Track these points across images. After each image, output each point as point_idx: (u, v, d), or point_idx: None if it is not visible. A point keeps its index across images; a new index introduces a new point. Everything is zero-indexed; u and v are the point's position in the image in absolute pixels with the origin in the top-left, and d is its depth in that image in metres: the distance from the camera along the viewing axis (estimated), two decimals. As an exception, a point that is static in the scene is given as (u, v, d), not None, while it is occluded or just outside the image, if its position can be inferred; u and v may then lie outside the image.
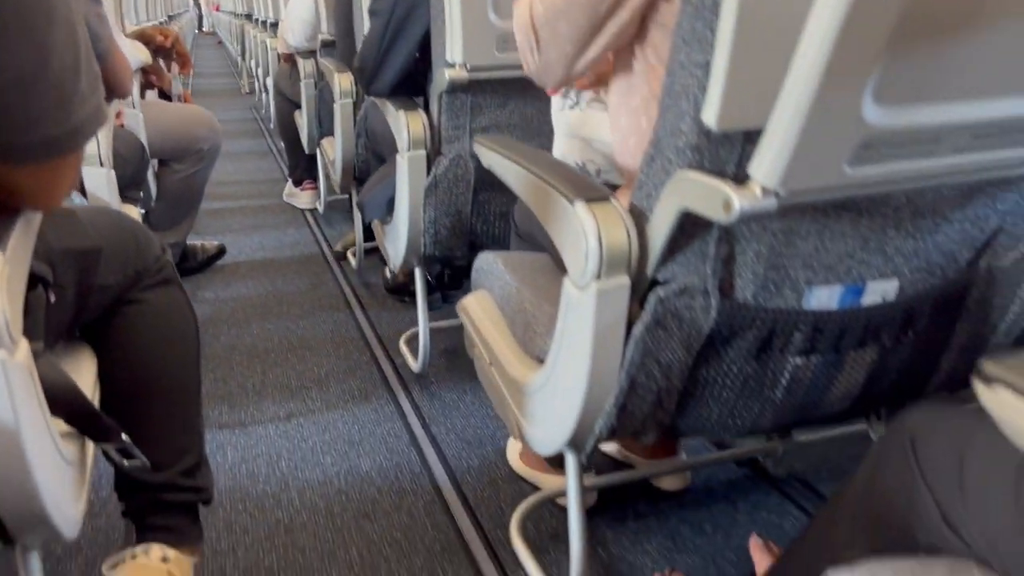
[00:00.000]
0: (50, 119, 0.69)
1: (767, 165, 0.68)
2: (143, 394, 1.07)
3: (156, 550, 1.04)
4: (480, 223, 1.64)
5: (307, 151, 3.17)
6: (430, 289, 2.20)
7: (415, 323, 1.97)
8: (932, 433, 0.67)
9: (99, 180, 1.42)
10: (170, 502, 1.08)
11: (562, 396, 0.93)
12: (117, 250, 1.05)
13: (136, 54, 2.40)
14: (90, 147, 1.37)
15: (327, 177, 3.12)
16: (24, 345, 0.72)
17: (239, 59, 8.31)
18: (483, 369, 1.22)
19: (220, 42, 12.40)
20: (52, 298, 0.86)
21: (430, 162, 1.57)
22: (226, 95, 7.33)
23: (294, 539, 1.41)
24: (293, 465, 1.63)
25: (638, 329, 0.84)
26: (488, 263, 1.26)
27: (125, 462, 0.95)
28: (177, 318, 1.11)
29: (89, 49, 0.73)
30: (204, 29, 14.36)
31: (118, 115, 1.99)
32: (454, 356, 2.09)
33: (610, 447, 1.61)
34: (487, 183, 1.59)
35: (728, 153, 0.76)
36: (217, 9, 13.39)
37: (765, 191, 0.69)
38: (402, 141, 1.57)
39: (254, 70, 6.14)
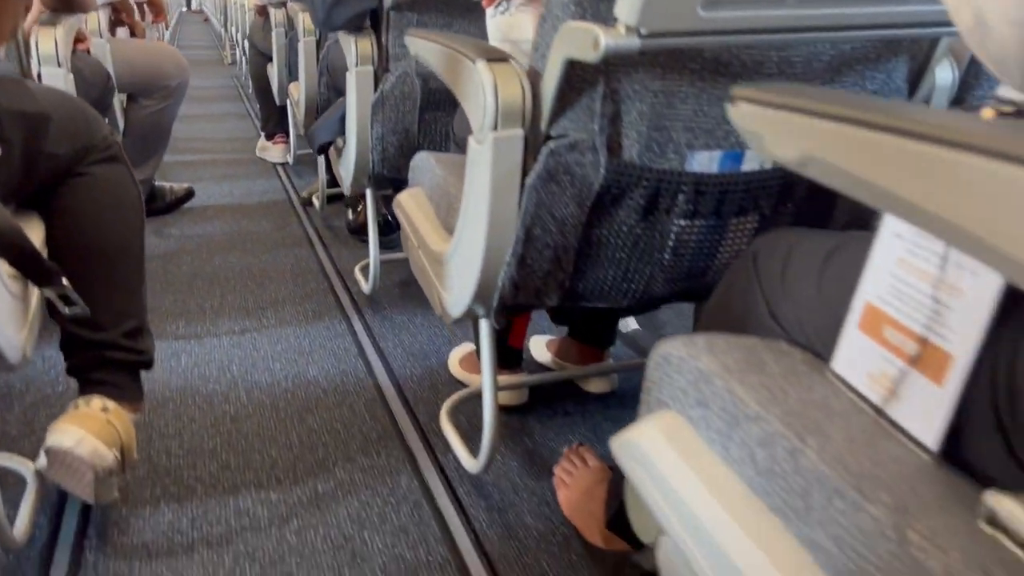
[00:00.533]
0: None
1: (628, 5, 0.76)
2: (88, 259, 1.14)
3: (97, 401, 1.12)
4: (427, 142, 1.72)
5: (278, 102, 3.24)
6: (389, 229, 2.28)
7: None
8: (770, 247, 0.76)
9: (57, 81, 1.49)
10: (111, 359, 1.16)
11: (469, 251, 1.02)
12: (66, 122, 1.13)
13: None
14: (47, 48, 1.44)
15: (296, 126, 3.18)
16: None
17: (222, 31, 8.35)
18: (414, 257, 1.30)
19: (207, 19, 12.40)
20: (-1, 149, 0.93)
21: (378, 79, 1.65)
22: (209, 64, 7.36)
23: (239, 427, 1.49)
24: (243, 370, 1.71)
25: (531, 179, 0.93)
26: (422, 160, 1.34)
27: (67, 309, 1.03)
28: (122, 191, 1.19)
29: None
30: (192, 7, 14.34)
31: (83, 40, 2.06)
32: (407, 286, 2.17)
33: (544, 357, 1.70)
34: (433, 103, 1.67)
35: (607, 8, 0.84)
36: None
37: (628, 29, 0.77)
38: (351, 59, 1.64)
39: (235, 37, 6.19)
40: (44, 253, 1.11)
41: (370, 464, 1.39)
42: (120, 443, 1.12)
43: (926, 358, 0.53)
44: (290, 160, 3.51)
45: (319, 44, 2.36)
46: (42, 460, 1.10)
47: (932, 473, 0.51)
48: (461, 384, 1.65)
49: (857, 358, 0.59)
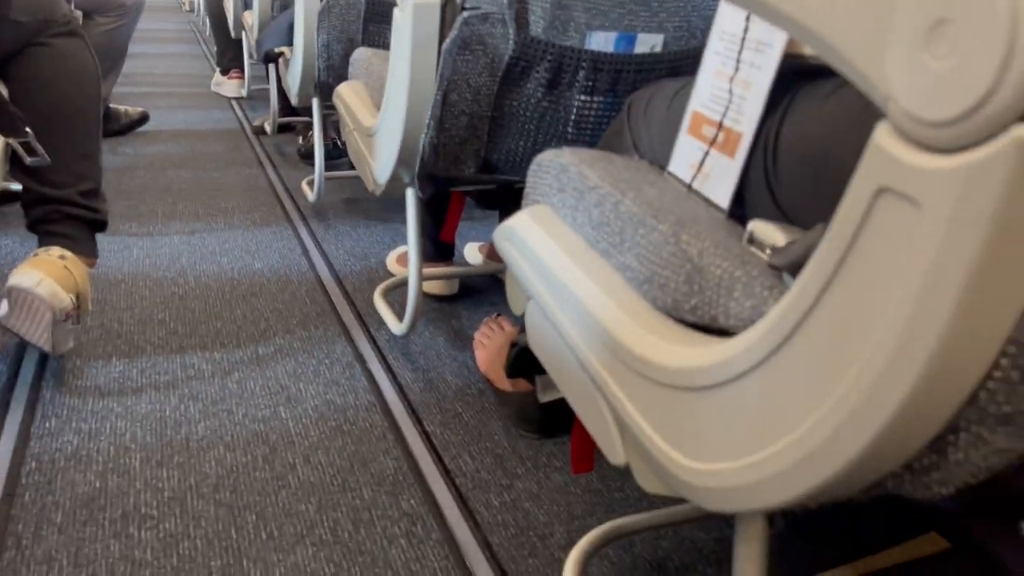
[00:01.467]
0: None
1: None
2: (47, 123, 1.25)
3: (56, 249, 1.24)
4: (370, 54, 1.84)
5: (233, 35, 3.31)
6: (337, 153, 2.40)
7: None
8: (640, 95, 0.91)
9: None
10: (69, 215, 1.27)
11: (393, 117, 1.15)
12: (22, 10, 1.23)
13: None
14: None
15: (251, 52, 3.25)
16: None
17: None
18: (351, 142, 1.43)
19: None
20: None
21: (324, -10, 1.76)
22: (168, 11, 7.31)
23: (187, 304, 1.61)
24: (192, 261, 1.82)
25: (447, 45, 1.06)
26: (360, 55, 1.47)
27: (29, 159, 1.14)
28: (80, 62, 1.30)
29: None
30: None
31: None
32: (354, 202, 2.29)
33: (476, 259, 1.84)
34: (377, 14, 1.79)
35: None
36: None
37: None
38: (299, -30, 1.75)
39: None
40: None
41: (308, 335, 1.52)
42: (77, 289, 1.23)
43: (724, 140, 0.68)
44: (244, 94, 3.58)
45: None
46: (3, 308, 1.22)
47: (719, 219, 0.66)
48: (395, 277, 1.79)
49: (684, 156, 0.74)
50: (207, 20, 4.18)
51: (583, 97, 1.15)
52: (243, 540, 0.99)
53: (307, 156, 2.66)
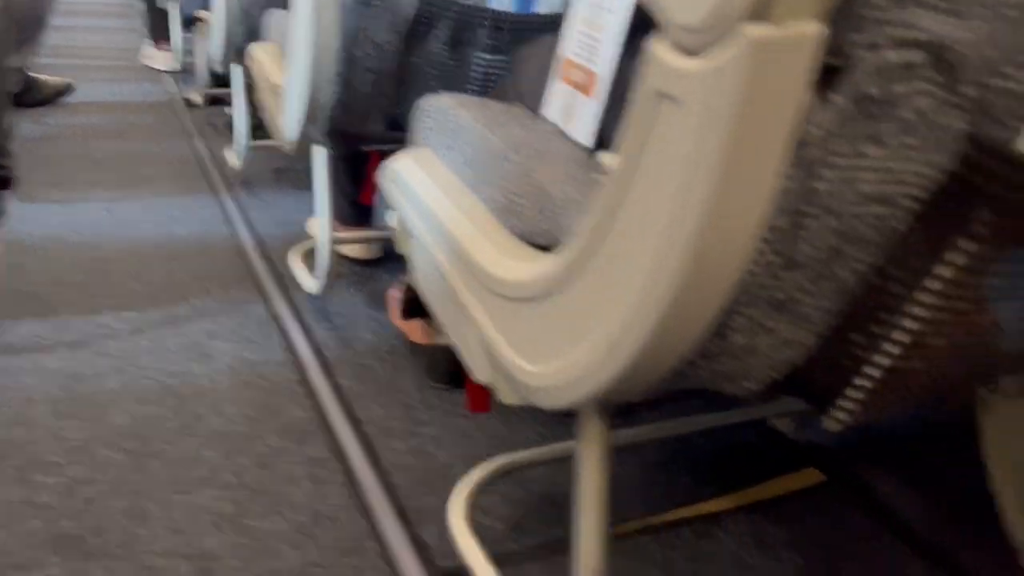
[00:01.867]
0: None
1: None
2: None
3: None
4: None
5: (158, 5, 3.26)
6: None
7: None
8: (529, 48, 0.95)
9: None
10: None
11: (298, 72, 1.17)
12: None
13: None
14: None
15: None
16: None
17: None
18: (263, 101, 1.44)
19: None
20: None
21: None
22: None
23: (103, 267, 1.61)
24: (112, 228, 1.82)
25: (351, 14, 1.08)
26: (274, 17, 1.48)
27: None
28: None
29: None
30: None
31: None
32: (283, 172, 2.29)
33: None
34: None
35: None
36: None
37: None
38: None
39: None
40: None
41: (225, 297, 1.53)
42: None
43: (585, 81, 0.72)
44: (178, 67, 3.53)
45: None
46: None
47: (580, 156, 0.70)
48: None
49: (556, 100, 0.78)
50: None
51: (487, 56, 1.18)
52: (147, 483, 1.01)
53: (236, 128, 2.65)
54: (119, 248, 1.71)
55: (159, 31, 3.58)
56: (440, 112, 0.79)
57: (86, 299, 1.47)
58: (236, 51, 1.92)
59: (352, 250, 1.72)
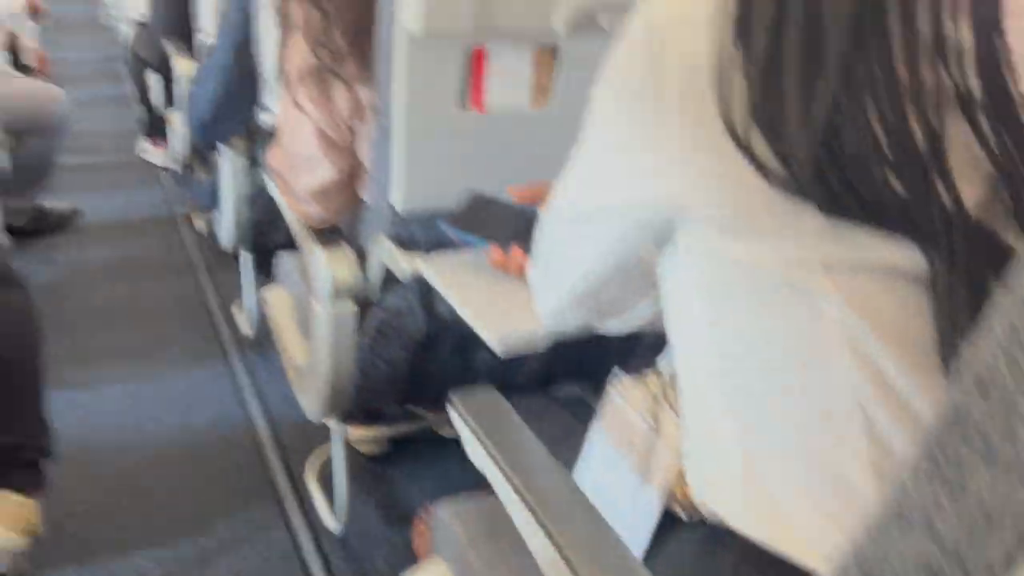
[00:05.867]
0: None
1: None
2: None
3: (4, 493, 1.34)
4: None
5: (154, 111, 3.33)
6: (260, 250, 2.47)
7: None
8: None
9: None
10: (15, 458, 1.36)
11: (316, 381, 1.27)
12: None
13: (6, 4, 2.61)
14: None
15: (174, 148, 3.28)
16: None
17: None
18: (283, 357, 1.54)
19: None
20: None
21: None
22: (84, 28, 7.07)
23: (129, 481, 1.71)
24: (134, 420, 1.92)
25: (365, 340, 1.18)
26: (287, 265, 1.57)
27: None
28: (20, 315, 1.38)
29: None
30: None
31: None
32: (287, 320, 2.39)
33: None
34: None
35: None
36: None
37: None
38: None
39: None
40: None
41: (247, 519, 1.64)
42: (29, 528, 1.34)
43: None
44: (172, 165, 3.60)
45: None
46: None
47: None
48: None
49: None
50: (128, 73, 4.14)
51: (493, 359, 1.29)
52: None
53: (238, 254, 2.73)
54: (144, 454, 1.81)
55: (154, 129, 3.64)
56: (446, 529, 0.90)
57: (118, 535, 1.58)
58: (245, 236, 2.01)
59: (363, 445, 1.82)
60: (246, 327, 2.28)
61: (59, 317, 2.34)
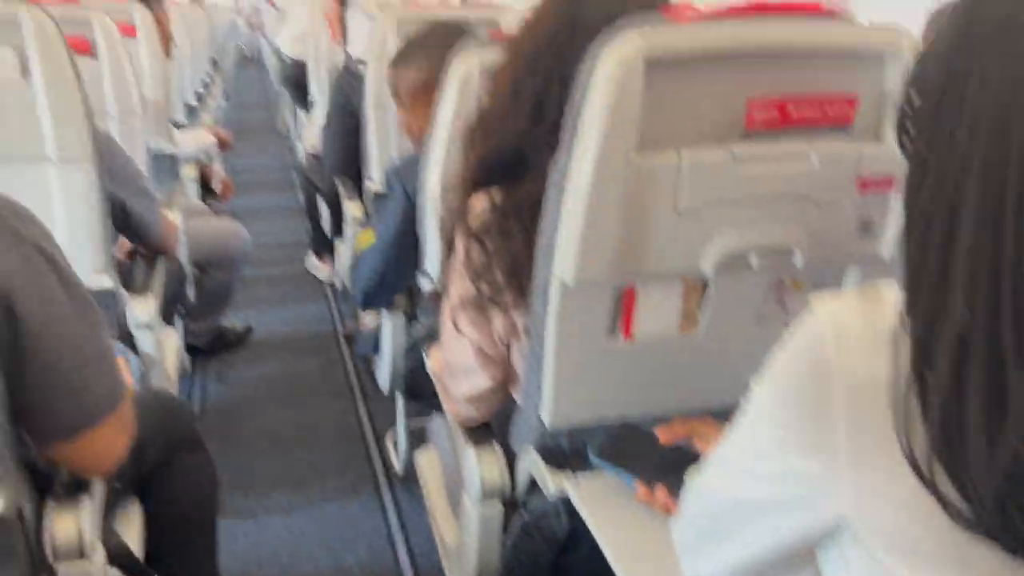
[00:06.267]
0: (65, 410, 0.97)
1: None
2: (174, 534, 1.47)
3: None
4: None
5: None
6: (414, 395, 2.60)
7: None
8: None
9: (147, 344, 1.83)
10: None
11: (465, 565, 1.32)
12: (156, 434, 1.46)
13: (199, 141, 2.94)
14: (143, 313, 1.78)
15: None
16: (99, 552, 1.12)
17: (278, 87, 8.51)
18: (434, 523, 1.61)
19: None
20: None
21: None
22: (261, 133, 7.66)
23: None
24: (291, 559, 2.03)
25: (509, 540, 1.23)
26: (439, 429, 1.65)
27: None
28: (204, 476, 1.52)
29: (98, 342, 1.00)
30: (247, 55, 14.75)
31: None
32: (435, 452, 2.48)
33: None
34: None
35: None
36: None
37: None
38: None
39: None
40: (143, 532, 1.44)
41: None
42: None
43: None
44: (337, 284, 3.85)
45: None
46: None
47: None
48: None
49: None
50: (300, 188, 4.48)
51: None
52: None
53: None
54: None
55: (322, 246, 3.92)
56: None
57: None
58: (400, 383, 2.12)
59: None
60: (396, 464, 2.38)
61: (228, 440, 2.53)
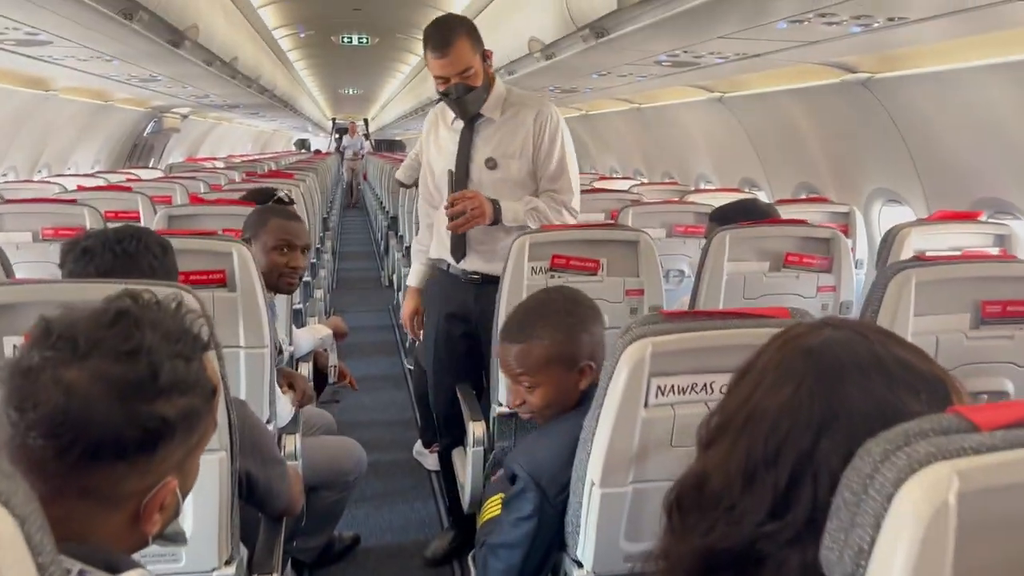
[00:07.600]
0: None
1: None
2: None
3: None
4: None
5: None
6: None
7: None
8: None
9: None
10: None
11: None
12: None
13: (315, 335, 2.86)
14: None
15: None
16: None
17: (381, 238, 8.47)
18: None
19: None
20: None
21: None
22: (366, 287, 7.62)
23: None
24: None
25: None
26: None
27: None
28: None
29: None
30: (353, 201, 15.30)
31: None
32: None
33: None
34: None
35: None
36: (365, 178, 14.45)
37: None
38: None
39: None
40: None
41: None
42: None
43: None
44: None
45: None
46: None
47: None
48: None
49: None
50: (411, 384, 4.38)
51: None
52: None
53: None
54: None
55: (430, 435, 3.77)
56: None
57: None
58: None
59: None
60: None
61: None
